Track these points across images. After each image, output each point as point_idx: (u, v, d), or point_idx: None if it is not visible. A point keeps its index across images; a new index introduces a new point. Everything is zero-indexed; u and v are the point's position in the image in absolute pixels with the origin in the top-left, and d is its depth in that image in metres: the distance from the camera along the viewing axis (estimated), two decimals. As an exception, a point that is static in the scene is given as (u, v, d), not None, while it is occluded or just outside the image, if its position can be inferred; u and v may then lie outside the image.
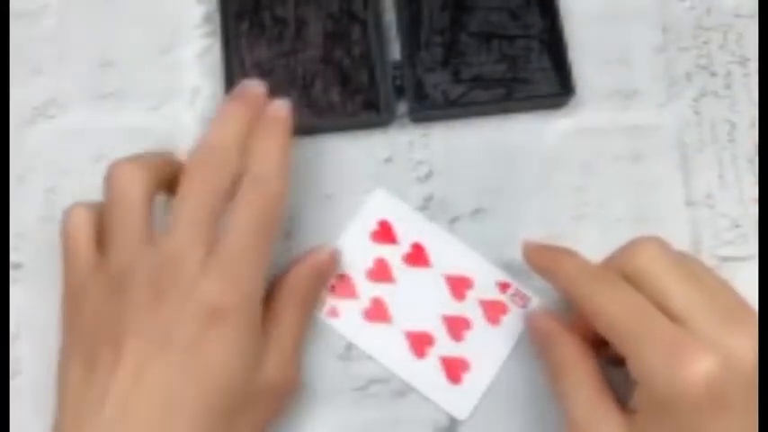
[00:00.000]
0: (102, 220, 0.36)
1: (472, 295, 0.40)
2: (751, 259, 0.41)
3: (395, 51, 0.44)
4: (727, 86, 0.44)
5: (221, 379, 0.33)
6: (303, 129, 0.41)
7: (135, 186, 0.35)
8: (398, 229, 0.42)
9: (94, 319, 0.34)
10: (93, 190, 0.42)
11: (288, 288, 0.38)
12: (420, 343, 0.40)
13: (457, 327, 0.40)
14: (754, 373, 0.31)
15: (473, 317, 0.40)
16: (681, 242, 0.42)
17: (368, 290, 0.41)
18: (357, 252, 0.41)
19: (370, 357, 0.40)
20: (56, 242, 0.40)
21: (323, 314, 0.40)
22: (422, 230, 0.41)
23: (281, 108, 0.38)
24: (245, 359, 0.34)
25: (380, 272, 0.41)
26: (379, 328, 0.40)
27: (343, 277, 0.41)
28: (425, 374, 0.39)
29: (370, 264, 0.41)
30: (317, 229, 0.42)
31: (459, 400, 0.39)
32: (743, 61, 0.45)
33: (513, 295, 0.40)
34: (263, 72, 0.43)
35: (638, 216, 0.42)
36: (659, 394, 0.31)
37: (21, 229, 0.42)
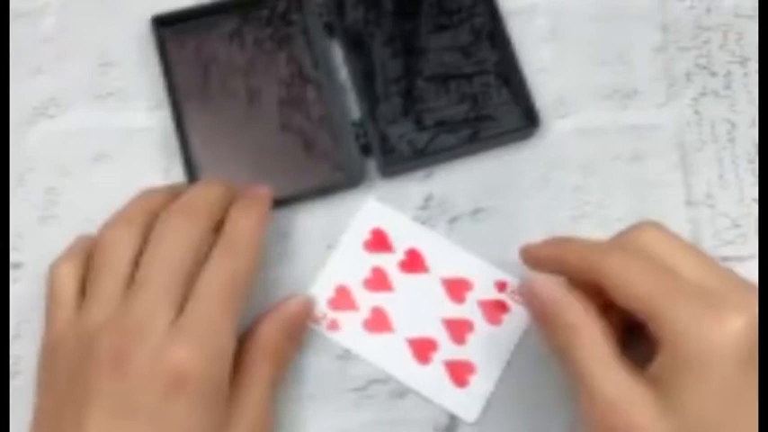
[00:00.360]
0: (87, 269, 0.36)
1: (471, 297, 0.40)
2: (751, 259, 0.41)
3: (353, 108, 0.43)
4: (727, 86, 0.44)
5: None
6: (273, 202, 0.40)
7: (122, 248, 0.35)
8: (392, 236, 0.41)
9: (65, 377, 0.33)
10: (93, 190, 0.43)
11: (256, 343, 0.37)
12: (423, 349, 0.40)
13: (459, 330, 0.40)
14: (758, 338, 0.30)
15: (474, 318, 0.40)
16: (681, 242, 0.42)
17: (367, 300, 0.40)
18: (353, 263, 0.41)
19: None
20: (56, 242, 0.40)
21: (324, 328, 0.40)
22: (416, 236, 0.41)
23: (264, 189, 0.39)
24: (212, 426, 0.33)
25: (378, 281, 0.41)
26: (381, 338, 0.40)
27: (341, 289, 0.41)
28: (431, 380, 0.39)
29: (367, 273, 0.41)
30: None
31: (468, 403, 0.39)
32: (743, 61, 0.45)
33: (513, 293, 0.40)
34: (220, 148, 0.42)
35: (638, 216, 0.42)
36: (688, 353, 0.30)
37: (21, 229, 0.42)
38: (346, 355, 0.40)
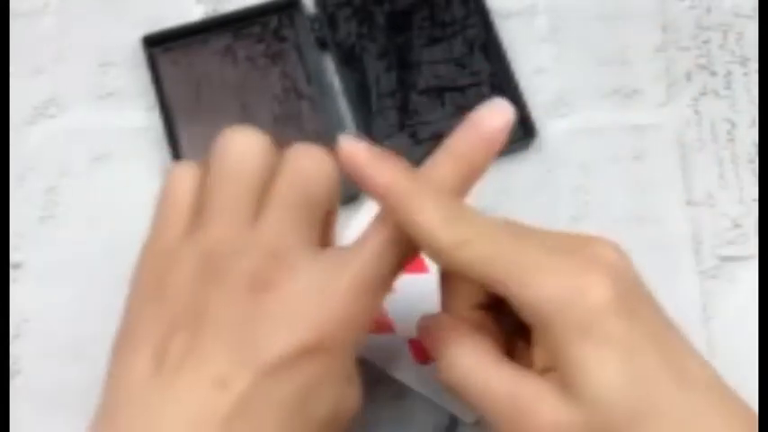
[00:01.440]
0: (206, 184, 0.30)
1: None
2: (751, 259, 0.41)
3: (348, 122, 0.43)
4: (727, 86, 0.44)
5: (316, 415, 0.29)
6: None
7: (253, 159, 0.30)
8: None
9: (178, 296, 0.28)
10: (93, 190, 0.43)
11: (449, 150, 0.31)
12: (424, 349, 0.39)
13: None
14: (636, 277, 0.28)
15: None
16: (681, 242, 0.42)
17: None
18: None
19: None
20: (56, 242, 0.40)
21: None
22: None
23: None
24: (340, 390, 0.30)
25: None
26: (381, 339, 0.40)
27: None
28: (432, 380, 0.39)
29: None
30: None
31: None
32: (743, 61, 0.45)
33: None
34: None
35: (638, 216, 0.42)
36: (565, 326, 0.27)
37: (21, 229, 0.42)
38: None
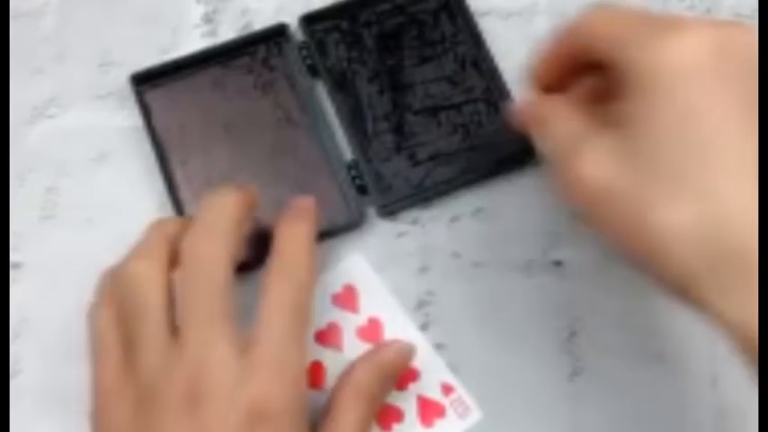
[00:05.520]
0: (122, 316, 0.34)
1: (413, 389, 0.38)
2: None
3: (344, 147, 0.42)
4: (727, 86, 0.44)
5: None
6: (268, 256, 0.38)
7: (152, 289, 0.33)
8: (362, 299, 0.40)
9: (128, 425, 0.32)
10: (93, 190, 0.43)
11: (351, 384, 0.35)
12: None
13: (387, 416, 0.38)
14: (751, 52, 0.28)
15: (407, 410, 0.38)
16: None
17: (312, 351, 0.39)
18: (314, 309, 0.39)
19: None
20: (56, 242, 0.40)
21: None
22: (385, 308, 0.40)
23: (308, 200, 0.37)
24: None
25: (330, 336, 0.39)
26: (309, 393, 0.37)
27: None
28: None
29: (322, 325, 0.39)
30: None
31: None
32: (743, 61, 0.45)
33: (455, 401, 0.38)
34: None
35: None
36: (642, 80, 0.28)
37: (21, 229, 0.42)
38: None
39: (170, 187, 0.41)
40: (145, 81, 0.43)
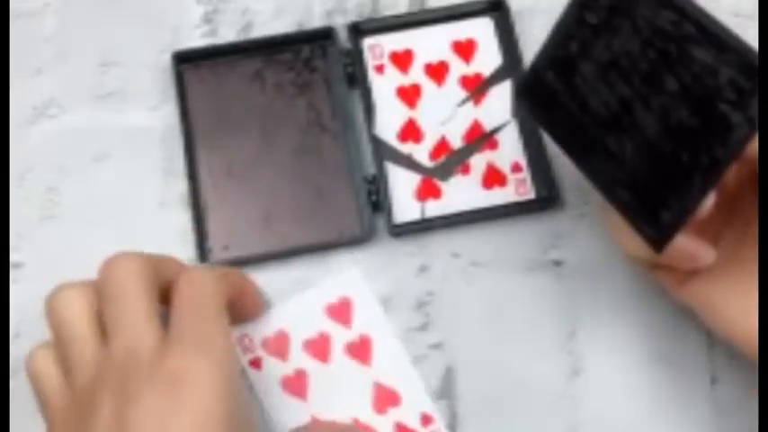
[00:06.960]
0: (56, 347, 0.34)
1: (393, 414, 0.38)
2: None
3: (368, 159, 0.42)
4: (727, 86, 0.44)
5: None
6: (276, 254, 0.40)
7: (70, 308, 0.34)
8: (356, 314, 0.39)
9: None
10: (93, 190, 0.43)
11: None
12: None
13: None
14: None
15: None
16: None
17: (299, 358, 0.39)
18: (306, 317, 0.39)
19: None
20: (56, 242, 0.40)
21: (246, 361, 0.39)
22: (377, 326, 0.39)
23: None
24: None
25: (319, 347, 0.39)
26: (291, 401, 0.38)
27: (281, 334, 0.39)
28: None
29: (312, 334, 0.39)
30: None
31: None
32: (743, 61, 0.45)
33: None
34: (229, 191, 0.41)
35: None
36: None
37: (21, 229, 0.42)
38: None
39: (191, 171, 0.42)
40: (187, 60, 0.43)
